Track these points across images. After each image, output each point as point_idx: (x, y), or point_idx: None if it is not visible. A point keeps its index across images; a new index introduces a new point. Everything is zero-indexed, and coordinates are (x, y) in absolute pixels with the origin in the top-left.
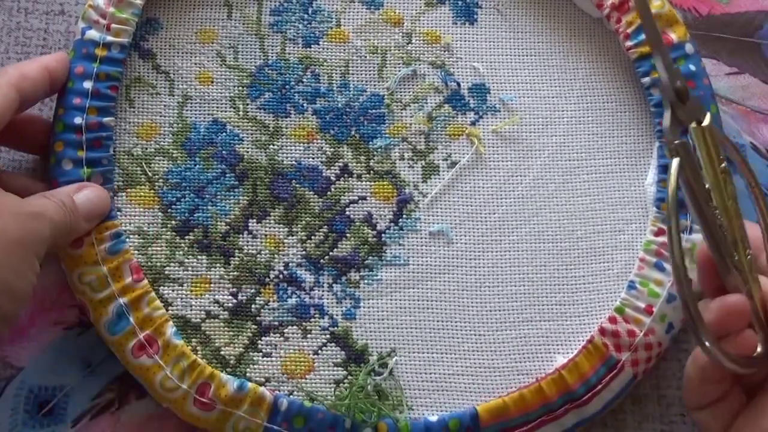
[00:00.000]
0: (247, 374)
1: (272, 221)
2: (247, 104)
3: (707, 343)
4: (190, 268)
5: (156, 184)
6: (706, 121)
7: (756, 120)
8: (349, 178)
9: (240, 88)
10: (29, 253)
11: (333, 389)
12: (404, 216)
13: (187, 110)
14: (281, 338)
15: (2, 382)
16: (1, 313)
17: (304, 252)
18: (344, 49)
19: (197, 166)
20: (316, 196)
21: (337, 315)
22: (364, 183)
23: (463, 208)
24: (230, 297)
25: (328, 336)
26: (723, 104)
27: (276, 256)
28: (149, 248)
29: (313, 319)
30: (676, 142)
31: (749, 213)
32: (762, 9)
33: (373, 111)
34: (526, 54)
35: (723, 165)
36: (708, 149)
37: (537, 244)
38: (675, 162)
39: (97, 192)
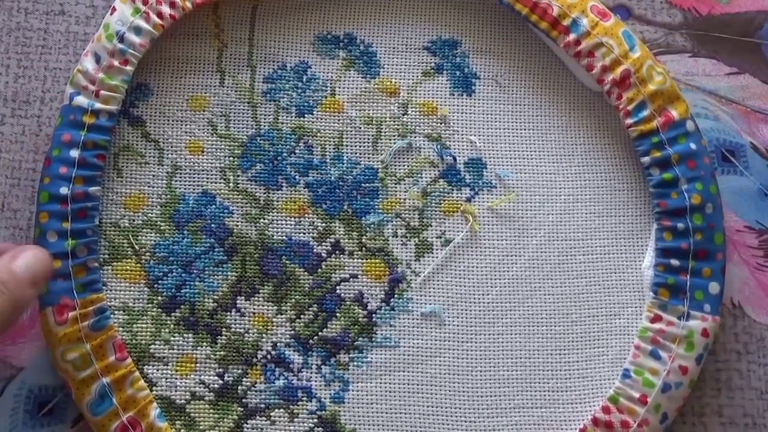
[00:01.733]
0: None
1: (261, 299)
2: (238, 176)
3: None
4: (175, 347)
5: (143, 257)
6: None
7: (756, 120)
8: (341, 255)
9: (231, 158)
10: None
11: None
12: (396, 296)
13: (176, 181)
14: (267, 422)
15: (2, 382)
16: None
17: (293, 331)
18: (338, 120)
19: (185, 239)
20: (306, 273)
21: (325, 398)
22: (355, 260)
23: (456, 289)
24: (216, 377)
25: (315, 420)
26: (723, 104)
27: (264, 335)
28: (134, 325)
29: (300, 402)
30: None
31: (749, 213)
32: (762, 9)
33: (367, 185)
34: (524, 128)
35: None
36: None
37: (531, 327)
38: None
39: (36, 254)
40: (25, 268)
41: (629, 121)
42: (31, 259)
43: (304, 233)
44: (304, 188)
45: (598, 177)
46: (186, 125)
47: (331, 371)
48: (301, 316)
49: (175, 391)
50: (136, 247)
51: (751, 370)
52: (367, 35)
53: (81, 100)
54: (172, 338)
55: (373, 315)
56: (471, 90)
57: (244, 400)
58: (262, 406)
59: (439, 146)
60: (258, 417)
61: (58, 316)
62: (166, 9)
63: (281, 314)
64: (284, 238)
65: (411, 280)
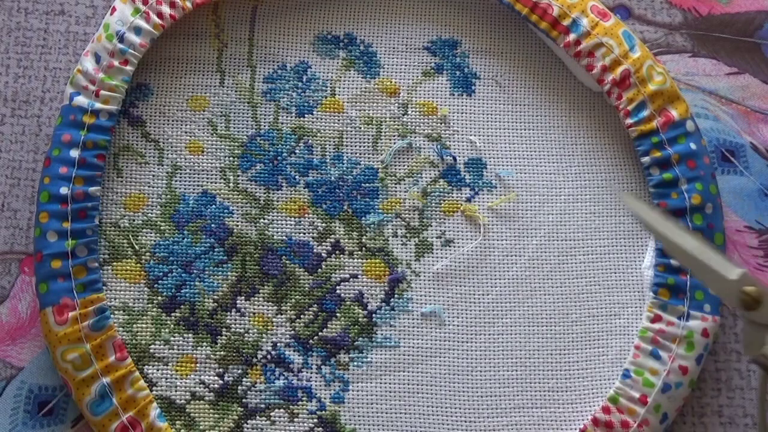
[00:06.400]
0: None
1: (261, 299)
2: (238, 176)
3: None
4: (175, 347)
5: (143, 257)
6: None
7: (756, 120)
8: (341, 255)
9: (231, 158)
10: None
11: None
12: (396, 296)
13: (176, 181)
14: (267, 422)
15: (2, 382)
16: None
17: (293, 331)
18: (338, 120)
19: (185, 239)
20: (306, 273)
21: (325, 398)
22: (355, 260)
23: (456, 289)
24: (216, 377)
25: (315, 420)
26: (723, 104)
27: (264, 335)
28: (134, 325)
29: (300, 402)
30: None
31: (749, 213)
32: (762, 9)
33: (367, 185)
34: (524, 128)
35: None
36: None
37: (531, 327)
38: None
39: None
40: None
41: (629, 121)
42: None
43: (304, 233)
44: (304, 188)
45: (598, 177)
46: (186, 125)
47: (331, 371)
48: (301, 316)
49: (175, 391)
50: (136, 247)
51: (751, 370)
52: (367, 35)
53: (81, 100)
54: (172, 338)
55: (373, 315)
56: (471, 90)
57: (244, 400)
58: (262, 406)
59: (439, 146)
60: (258, 417)
61: (58, 316)
62: (166, 9)
63: (281, 314)
64: (284, 238)
65: (411, 280)
